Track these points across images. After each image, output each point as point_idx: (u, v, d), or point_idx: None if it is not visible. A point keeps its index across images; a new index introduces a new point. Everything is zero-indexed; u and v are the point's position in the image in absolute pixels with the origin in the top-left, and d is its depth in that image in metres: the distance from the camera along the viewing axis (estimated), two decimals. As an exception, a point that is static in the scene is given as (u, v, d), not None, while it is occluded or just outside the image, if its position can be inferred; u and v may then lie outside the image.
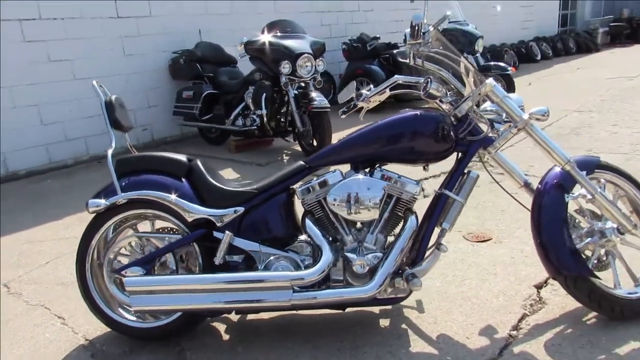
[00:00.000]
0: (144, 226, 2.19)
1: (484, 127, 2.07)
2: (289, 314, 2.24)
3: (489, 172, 2.19)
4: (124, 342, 2.13)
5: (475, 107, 2.07)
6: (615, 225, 2.06)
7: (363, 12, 8.85)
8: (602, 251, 2.11)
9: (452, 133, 2.02)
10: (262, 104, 4.94)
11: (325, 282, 1.99)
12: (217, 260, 1.97)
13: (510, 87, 6.53)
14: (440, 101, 2.11)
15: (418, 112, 2.05)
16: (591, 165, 2.12)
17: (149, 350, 2.08)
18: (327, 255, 1.92)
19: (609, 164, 2.18)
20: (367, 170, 2.04)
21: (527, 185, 2.11)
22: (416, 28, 1.97)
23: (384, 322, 2.17)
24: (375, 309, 2.26)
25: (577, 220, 2.13)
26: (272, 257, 1.99)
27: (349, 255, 1.98)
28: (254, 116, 5.06)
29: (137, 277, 1.92)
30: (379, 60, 7.48)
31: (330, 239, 2.04)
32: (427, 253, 2.05)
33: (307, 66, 4.89)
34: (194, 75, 5.82)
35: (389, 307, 2.26)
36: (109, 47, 5.61)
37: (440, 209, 2.05)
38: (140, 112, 6.00)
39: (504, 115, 2.09)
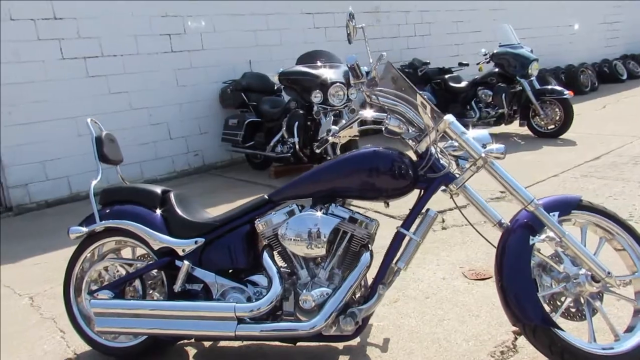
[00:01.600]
0: (127, 252, 2.36)
1: (451, 163, 2.04)
2: (256, 343, 2.29)
3: (457, 206, 2.12)
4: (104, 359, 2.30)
5: (436, 143, 2.05)
6: (589, 272, 1.92)
7: (420, 37, 8.81)
8: (581, 299, 1.97)
9: (410, 170, 2.00)
10: (294, 132, 5.08)
11: (276, 315, 2.04)
12: (176, 287, 2.08)
13: (567, 113, 6.16)
14: (403, 138, 2.10)
15: (375, 149, 2.06)
16: (566, 206, 2.00)
17: (121, 369, 2.23)
18: (274, 289, 1.97)
19: (592, 205, 2.04)
20: (324, 205, 2.07)
21: (501, 224, 2.03)
22: (354, 69, 2.00)
23: (343, 358, 2.16)
24: (340, 345, 2.25)
25: (548, 266, 2.00)
26: (226, 288, 2.07)
27: (299, 290, 2.00)
28: (290, 143, 5.22)
29: (100, 299, 2.08)
30: (431, 86, 7.39)
31: (288, 272, 2.09)
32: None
33: (339, 95, 4.98)
34: (240, 104, 6.12)
35: (354, 342, 2.24)
36: (163, 79, 6.06)
37: (396, 247, 2.03)
38: (192, 138, 6.39)
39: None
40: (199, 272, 2.10)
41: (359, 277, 1.96)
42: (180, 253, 2.12)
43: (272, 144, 5.55)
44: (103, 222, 2.19)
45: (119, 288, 2.15)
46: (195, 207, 2.31)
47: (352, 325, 1.94)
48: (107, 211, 2.25)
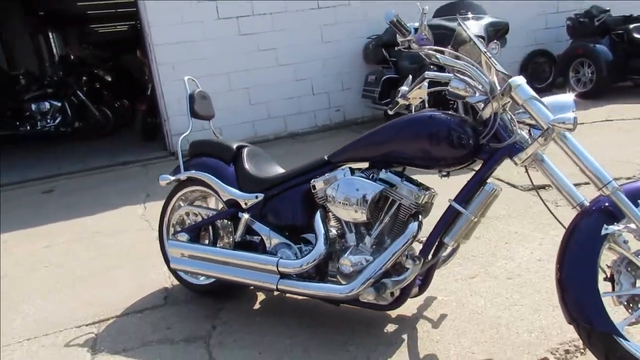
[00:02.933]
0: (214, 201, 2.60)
1: (519, 133, 1.79)
2: (313, 300, 2.36)
3: (531, 181, 1.86)
4: (187, 293, 2.61)
5: (505, 110, 1.81)
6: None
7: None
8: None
9: (471, 138, 1.81)
10: (425, 91, 4.84)
11: (323, 274, 2.06)
12: (236, 237, 2.24)
13: None
14: (467, 101, 1.89)
15: (432, 113, 1.91)
16: None
17: (201, 301, 2.51)
18: (317, 249, 1.99)
19: None
20: (375, 170, 2.00)
21: (582, 207, 1.73)
22: (396, 25, 1.83)
23: (390, 327, 2.10)
24: (394, 313, 2.19)
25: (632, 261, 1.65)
26: (278, 243, 2.15)
27: (342, 253, 1.99)
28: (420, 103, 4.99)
29: (175, 241, 2.34)
30: (610, 38, 6.30)
31: (339, 234, 2.08)
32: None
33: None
34: (381, 60, 6.02)
35: (408, 312, 2.17)
36: (309, 36, 6.24)
37: (447, 221, 1.87)
38: (334, 94, 6.53)
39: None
40: (257, 226, 2.21)
41: (402, 247, 1.87)
42: (243, 206, 2.26)
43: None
44: (185, 172, 2.43)
45: (194, 232, 2.39)
46: (268, 163, 2.41)
47: (385, 296, 1.88)
48: (192, 162, 2.48)
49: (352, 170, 2.03)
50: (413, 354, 1.92)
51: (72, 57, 8.38)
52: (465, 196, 1.85)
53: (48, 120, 7.60)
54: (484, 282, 2.38)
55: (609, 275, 1.69)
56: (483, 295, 2.26)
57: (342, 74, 6.50)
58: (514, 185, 3.72)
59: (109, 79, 8.57)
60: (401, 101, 2.19)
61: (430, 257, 1.91)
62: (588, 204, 1.67)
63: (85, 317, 2.53)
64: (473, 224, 1.85)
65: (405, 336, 2.03)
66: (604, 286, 1.73)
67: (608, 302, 1.83)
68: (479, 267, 2.52)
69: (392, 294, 1.90)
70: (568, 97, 1.79)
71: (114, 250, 3.43)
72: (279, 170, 2.38)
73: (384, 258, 1.88)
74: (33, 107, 7.56)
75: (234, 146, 2.40)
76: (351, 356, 1.95)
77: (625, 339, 1.53)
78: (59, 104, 7.65)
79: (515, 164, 1.78)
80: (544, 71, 7.19)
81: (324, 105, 6.51)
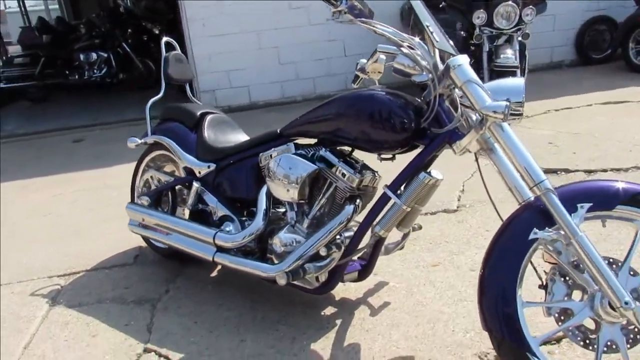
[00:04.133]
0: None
1: (462, 118, 1.63)
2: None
3: (479, 170, 1.70)
4: (156, 254, 2.65)
5: (452, 92, 1.64)
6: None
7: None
8: (597, 326, 1.43)
9: (412, 121, 1.68)
10: (451, 58, 4.54)
11: (262, 250, 2.02)
12: (187, 206, 2.22)
13: None
14: (414, 80, 1.73)
15: (374, 91, 1.77)
16: (610, 197, 1.42)
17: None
18: (254, 225, 1.95)
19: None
20: (316, 148, 1.89)
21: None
22: None
23: (329, 310, 2.04)
24: (337, 296, 2.13)
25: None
26: (223, 215, 2.12)
27: (278, 231, 1.93)
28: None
29: (131, 204, 2.37)
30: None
31: (282, 211, 2.03)
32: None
33: (508, 15, 4.19)
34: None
35: (353, 296, 2.10)
36: (343, -6, 5.97)
37: (378, 208, 1.76)
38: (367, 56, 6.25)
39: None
40: (207, 196, 2.19)
41: (332, 231, 1.79)
42: (197, 174, 2.23)
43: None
44: (152, 136, 2.43)
45: (154, 197, 2.39)
46: (232, 132, 2.35)
47: (311, 280, 1.82)
48: (161, 127, 2.47)
49: (298, 146, 1.94)
50: (338, 341, 1.86)
51: (121, 9, 8.55)
52: (400, 183, 1.72)
53: (94, 71, 7.88)
54: (445, 271, 2.25)
55: (544, 283, 1.54)
56: (436, 286, 2.14)
57: (376, 36, 6.20)
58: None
59: (157, 31, 8.69)
60: (361, 75, 2.05)
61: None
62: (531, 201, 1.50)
63: (59, 268, 2.65)
64: (406, 213, 1.72)
65: (339, 321, 1.97)
66: (537, 294, 1.59)
67: (536, 312, 1.70)
68: (446, 255, 2.38)
69: (317, 278, 1.83)
70: (518, 81, 1.59)
71: (114, 203, 3.53)
72: (241, 140, 2.32)
73: (314, 241, 1.80)
74: (81, 57, 7.84)
75: (198, 112, 2.36)
76: (278, 336, 1.92)
77: (536, 357, 1.39)
78: (105, 55, 7.88)
79: (454, 151, 1.63)
80: (604, 40, 6.53)
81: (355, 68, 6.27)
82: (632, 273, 1.44)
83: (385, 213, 1.73)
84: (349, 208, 1.79)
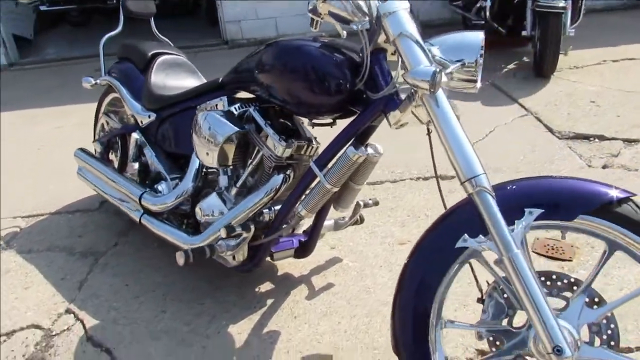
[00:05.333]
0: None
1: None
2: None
3: (430, 145, 1.37)
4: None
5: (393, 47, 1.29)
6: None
7: None
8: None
9: (348, 82, 1.35)
10: (488, -5, 3.95)
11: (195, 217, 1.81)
12: (129, 158, 2.03)
13: None
14: (353, 28, 1.38)
15: (304, 42, 1.45)
16: (574, 205, 1.08)
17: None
18: (181, 186, 1.75)
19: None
20: (246, 105, 1.61)
21: (474, 187, 1.23)
22: None
23: (265, 287, 1.83)
24: (281, 270, 1.91)
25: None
26: (158, 172, 1.91)
27: (202, 198, 1.71)
28: (483, 8, 4.13)
29: (79, 150, 2.20)
30: None
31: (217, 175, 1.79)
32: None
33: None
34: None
35: (297, 273, 1.87)
36: None
37: (305, 184, 1.48)
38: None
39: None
40: (147, 149, 1.98)
41: (256, 203, 1.55)
42: (140, 124, 2.02)
43: (477, 5, 4.47)
44: (103, 77, 2.22)
45: (104, 144, 2.22)
46: (185, 77, 2.08)
47: (227, 257, 1.60)
48: (116, 66, 2.25)
49: (233, 101, 1.66)
50: (259, 325, 1.65)
51: None
52: (330, 157, 1.42)
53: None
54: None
55: (482, 297, 1.24)
56: (393, 270, 1.87)
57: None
58: (550, 130, 2.99)
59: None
60: (313, 17, 1.70)
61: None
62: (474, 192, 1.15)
63: (27, 209, 2.58)
64: (332, 193, 1.43)
65: (270, 302, 1.76)
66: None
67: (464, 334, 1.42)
68: (419, 232, 2.07)
69: (234, 257, 1.61)
70: (475, 36, 1.22)
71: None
72: (196, 83, 2.05)
73: (233, 214, 1.57)
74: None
75: (150, 53, 2.10)
76: (199, 311, 1.74)
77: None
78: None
79: (389, 123, 1.30)
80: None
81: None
82: (594, 301, 1.11)
83: (310, 191, 1.45)
84: (276, 180, 1.53)
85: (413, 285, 1.18)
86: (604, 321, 1.12)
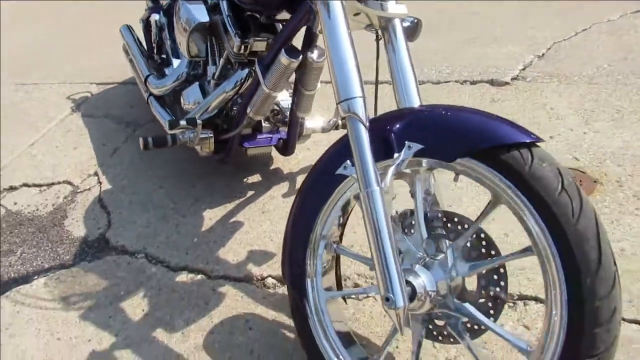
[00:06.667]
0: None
1: None
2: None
3: (377, 55, 1.22)
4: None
5: None
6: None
7: None
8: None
9: None
10: None
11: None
12: (153, 39, 2.10)
13: None
14: None
15: None
16: (455, 142, 0.93)
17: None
18: (176, 70, 1.80)
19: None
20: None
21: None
22: None
23: (251, 181, 1.90)
24: (290, 167, 1.94)
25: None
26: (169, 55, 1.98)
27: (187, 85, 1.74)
28: None
29: (123, 26, 2.33)
30: None
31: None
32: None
33: None
34: None
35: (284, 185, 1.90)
36: None
37: (253, 88, 1.43)
38: None
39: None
40: (164, 32, 2.02)
41: (219, 96, 1.55)
42: (162, 4, 2.05)
43: None
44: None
45: (143, 22, 2.30)
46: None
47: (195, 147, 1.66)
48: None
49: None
50: (230, 213, 1.75)
51: None
52: (270, 60, 1.34)
53: None
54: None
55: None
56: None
57: None
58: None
59: None
60: None
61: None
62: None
63: (100, 77, 2.89)
64: (272, 97, 1.37)
65: (250, 193, 1.83)
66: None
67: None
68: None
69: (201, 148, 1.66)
70: None
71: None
72: None
73: (204, 104, 1.60)
74: None
75: None
76: (188, 192, 1.89)
77: (312, 310, 1.12)
78: None
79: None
80: None
81: None
82: (482, 253, 0.98)
83: (256, 93, 1.41)
84: (239, 74, 1.51)
85: (302, 207, 1.14)
86: (494, 275, 0.98)
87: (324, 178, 1.10)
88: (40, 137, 2.42)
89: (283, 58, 1.26)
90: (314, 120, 1.74)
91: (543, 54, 2.37)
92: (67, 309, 1.49)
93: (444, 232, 1.00)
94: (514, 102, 2.08)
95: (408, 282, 0.95)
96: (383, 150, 0.97)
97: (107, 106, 2.59)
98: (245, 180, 1.90)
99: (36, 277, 1.64)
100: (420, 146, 0.94)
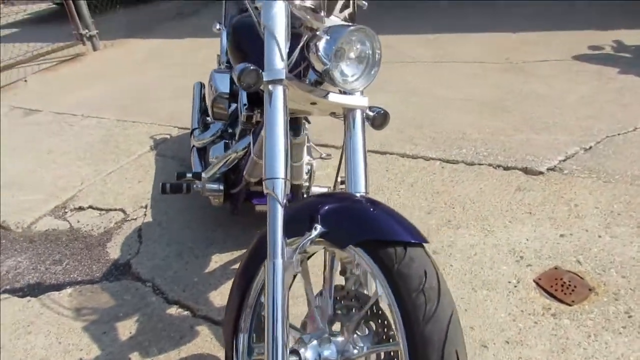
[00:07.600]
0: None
1: None
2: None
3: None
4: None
5: None
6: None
7: None
8: None
9: None
10: None
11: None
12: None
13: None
14: None
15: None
16: (348, 230, 1.03)
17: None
18: (213, 127, 2.06)
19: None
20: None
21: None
22: None
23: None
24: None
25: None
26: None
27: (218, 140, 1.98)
28: None
29: (196, 83, 2.66)
30: None
31: None
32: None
33: None
34: None
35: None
36: None
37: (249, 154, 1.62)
38: None
39: None
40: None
41: (229, 156, 1.78)
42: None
43: None
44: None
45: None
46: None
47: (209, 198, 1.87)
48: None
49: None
50: (234, 260, 1.92)
51: None
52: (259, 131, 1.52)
53: None
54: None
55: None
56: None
57: None
58: None
59: None
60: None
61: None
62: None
63: (184, 122, 3.29)
64: (260, 164, 1.54)
65: (256, 244, 1.98)
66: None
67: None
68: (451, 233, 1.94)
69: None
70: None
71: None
72: None
73: (217, 161, 1.82)
74: None
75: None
76: (206, 235, 2.10)
77: None
78: None
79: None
80: None
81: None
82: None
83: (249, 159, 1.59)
84: (247, 139, 1.70)
85: (243, 269, 1.26)
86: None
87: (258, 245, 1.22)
88: (118, 168, 2.82)
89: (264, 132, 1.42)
90: (319, 187, 1.87)
91: (590, 147, 2.28)
92: (76, 318, 1.75)
93: (346, 312, 1.07)
94: (539, 194, 2.03)
95: (296, 352, 1.03)
96: (298, 228, 1.08)
97: (177, 148, 2.95)
98: (258, 231, 2.07)
99: (67, 287, 1.94)
100: (324, 229, 1.03)
